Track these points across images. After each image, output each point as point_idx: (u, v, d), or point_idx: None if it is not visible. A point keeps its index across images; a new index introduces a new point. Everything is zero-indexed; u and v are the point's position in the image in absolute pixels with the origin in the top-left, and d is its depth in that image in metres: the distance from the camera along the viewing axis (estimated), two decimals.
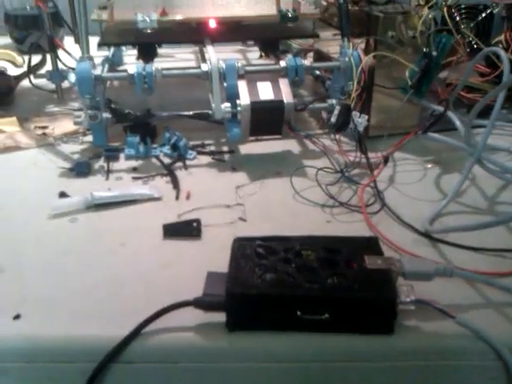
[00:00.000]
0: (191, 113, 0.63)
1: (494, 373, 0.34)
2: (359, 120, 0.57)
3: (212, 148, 0.63)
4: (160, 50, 0.76)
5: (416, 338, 0.34)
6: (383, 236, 0.44)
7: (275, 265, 0.36)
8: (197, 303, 0.35)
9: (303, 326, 0.34)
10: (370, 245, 0.39)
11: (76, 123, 0.63)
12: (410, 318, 0.35)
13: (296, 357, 0.34)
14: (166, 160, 0.60)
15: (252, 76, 0.61)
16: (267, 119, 0.58)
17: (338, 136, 0.58)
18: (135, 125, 0.64)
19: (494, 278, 0.39)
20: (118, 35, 0.72)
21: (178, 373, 0.34)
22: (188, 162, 0.60)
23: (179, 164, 0.59)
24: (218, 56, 0.60)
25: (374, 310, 0.34)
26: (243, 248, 0.39)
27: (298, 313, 0.34)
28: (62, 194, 0.52)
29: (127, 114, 0.63)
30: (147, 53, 0.71)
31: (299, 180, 0.55)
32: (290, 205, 0.51)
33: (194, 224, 0.46)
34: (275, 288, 0.34)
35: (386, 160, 0.55)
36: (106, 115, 0.61)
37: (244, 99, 0.57)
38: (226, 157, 0.61)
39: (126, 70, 0.61)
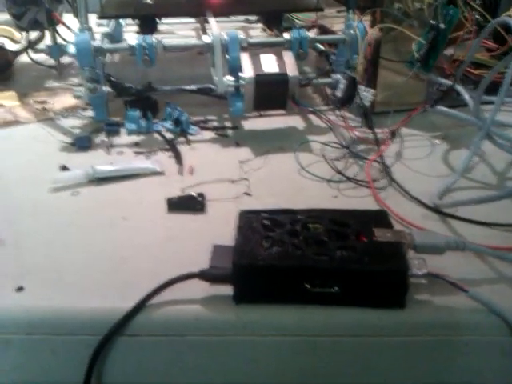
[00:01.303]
0: (193, 87, 0.62)
1: (507, 347, 0.33)
2: (365, 94, 0.56)
3: (215, 123, 0.62)
4: (161, 27, 0.75)
5: (428, 312, 0.34)
6: (392, 211, 0.44)
7: (282, 237, 0.36)
8: (203, 275, 0.34)
9: (312, 299, 0.34)
10: (379, 218, 0.38)
11: (76, 97, 0.62)
12: (422, 292, 0.35)
13: (304, 330, 0.34)
14: (168, 135, 0.59)
15: (255, 49, 0.59)
16: (271, 93, 0.56)
17: (343, 111, 0.56)
18: (136, 99, 0.62)
19: (507, 252, 0.38)
20: (118, 8, 0.70)
21: (185, 346, 0.34)
22: (191, 138, 0.59)
23: (182, 139, 0.58)
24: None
25: (384, 283, 0.33)
26: (249, 220, 0.38)
27: (307, 285, 0.33)
28: (63, 168, 0.51)
29: (128, 88, 0.61)
30: (147, 26, 0.69)
31: (304, 155, 0.54)
32: (296, 180, 0.50)
33: (199, 198, 0.45)
34: (283, 260, 0.34)
35: (392, 135, 0.54)
36: (106, 88, 0.60)
37: (247, 72, 0.56)
38: (230, 132, 0.60)
39: (126, 42, 0.59)
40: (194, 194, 0.46)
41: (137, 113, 0.59)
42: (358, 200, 0.46)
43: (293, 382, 0.35)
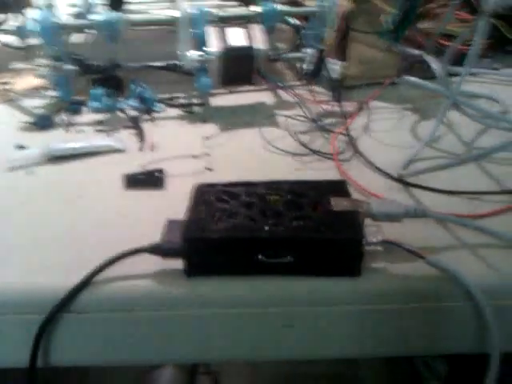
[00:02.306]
0: (160, 64, 0.60)
1: (465, 315, 0.32)
2: (333, 66, 0.55)
3: (182, 101, 0.60)
4: (133, 7, 0.73)
5: (384, 280, 0.33)
6: (354, 182, 0.42)
7: (237, 209, 0.34)
8: (152, 250, 0.33)
9: (265, 269, 0.33)
10: (338, 188, 0.37)
11: (39, 76, 0.60)
12: (378, 260, 0.34)
13: (258, 302, 0.33)
14: (134, 113, 0.57)
15: (222, 22, 0.57)
16: (238, 67, 0.55)
17: (312, 85, 0.55)
18: (102, 78, 0.61)
19: (469, 219, 0.37)
20: None
21: (133, 321, 0.32)
22: (156, 115, 0.57)
23: (147, 117, 0.56)
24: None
25: (338, 250, 0.32)
26: (204, 194, 0.37)
27: (260, 257, 0.32)
28: (20, 147, 0.49)
29: (92, 66, 0.59)
30: (115, 3, 0.67)
31: (270, 130, 0.52)
32: (260, 154, 0.49)
33: (157, 174, 0.44)
34: (234, 231, 0.32)
35: (360, 107, 0.53)
36: (70, 67, 0.58)
37: (213, 46, 0.54)
38: (197, 109, 0.58)
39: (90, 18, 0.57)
40: (152, 170, 0.44)
41: (100, 91, 0.58)
42: (322, 172, 0.45)
43: (246, 355, 0.34)
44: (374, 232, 0.33)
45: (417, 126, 0.53)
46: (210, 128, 0.54)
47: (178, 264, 0.33)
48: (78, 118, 0.56)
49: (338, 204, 0.35)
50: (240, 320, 0.33)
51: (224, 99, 0.61)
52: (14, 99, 0.61)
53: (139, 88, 0.58)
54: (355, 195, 0.38)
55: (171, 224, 0.35)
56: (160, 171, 0.44)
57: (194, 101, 0.60)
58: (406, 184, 0.42)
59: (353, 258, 0.32)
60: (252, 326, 0.33)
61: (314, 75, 0.54)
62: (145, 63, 0.60)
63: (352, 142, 0.48)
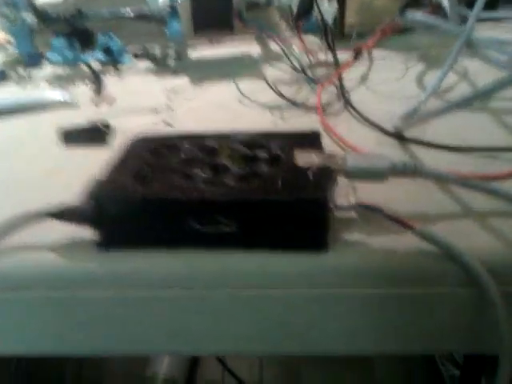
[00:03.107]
0: (131, 13, 0.53)
1: (466, 305, 0.24)
2: (327, 9, 0.46)
3: (156, 53, 0.53)
4: None
5: (358, 256, 0.25)
6: (340, 138, 0.34)
7: (173, 166, 0.27)
8: (58, 214, 0.26)
9: (202, 241, 0.25)
10: (308, 141, 0.29)
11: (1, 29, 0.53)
12: (352, 231, 0.26)
13: (193, 281, 0.25)
14: (98, 67, 0.50)
15: None
16: (211, 10, 0.47)
17: (299, 30, 0.46)
18: (68, 30, 0.54)
19: (476, 181, 0.29)
20: None
21: (27, 303, 0.25)
22: (124, 69, 0.50)
23: (113, 71, 0.49)
24: None
25: (296, 217, 0.24)
26: (137, 147, 0.29)
27: (195, 224, 0.25)
28: None
29: (56, 17, 0.52)
30: None
31: (250, 82, 0.45)
32: (234, 109, 0.41)
33: (101, 129, 0.37)
34: (160, 191, 0.25)
35: (356, 54, 0.44)
36: (29, 17, 0.51)
37: None
38: (171, 62, 0.51)
39: None
40: (95, 124, 0.37)
41: (62, 42, 0.51)
42: (302, 127, 0.37)
43: (180, 349, 0.27)
44: (347, 193, 0.25)
45: (424, 77, 0.44)
46: (181, 81, 0.46)
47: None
48: (37, 73, 0.49)
49: (302, 158, 0.27)
50: (170, 304, 0.25)
51: (204, 52, 0.53)
52: None
53: (106, 39, 0.51)
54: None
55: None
56: (106, 126, 0.37)
57: (170, 54, 0.53)
58: (402, 139, 0.34)
59: (316, 227, 0.24)
60: (187, 312, 0.26)
61: (303, 16, 0.46)
62: (114, 12, 0.53)
63: (342, 93, 0.40)
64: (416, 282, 0.25)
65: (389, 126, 0.35)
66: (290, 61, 0.45)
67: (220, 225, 0.25)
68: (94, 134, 0.36)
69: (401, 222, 0.25)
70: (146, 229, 0.25)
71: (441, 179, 0.28)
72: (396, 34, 0.50)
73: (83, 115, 0.40)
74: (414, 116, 0.36)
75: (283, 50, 0.46)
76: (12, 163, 0.34)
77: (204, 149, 0.29)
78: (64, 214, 0.26)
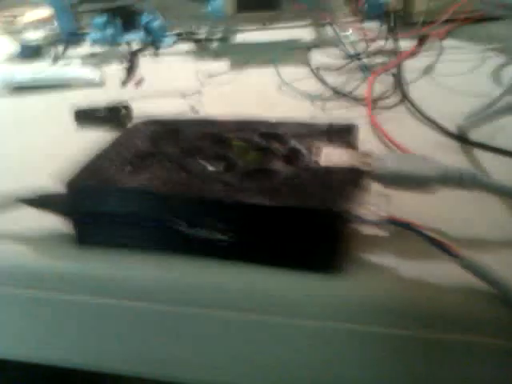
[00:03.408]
0: None
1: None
2: None
3: (200, 36, 0.49)
4: None
5: (378, 285, 0.19)
6: (386, 135, 0.28)
7: (170, 155, 0.22)
8: (27, 201, 0.22)
9: (189, 247, 0.20)
10: (341, 136, 0.24)
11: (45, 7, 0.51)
12: (379, 253, 0.20)
13: (169, 295, 0.20)
14: (137, 47, 0.47)
15: None
16: None
17: (356, 11, 0.41)
18: (113, 10, 0.51)
19: None
20: None
21: None
22: (163, 50, 0.46)
23: (151, 51, 0.46)
24: None
25: (303, 228, 0.19)
26: (137, 131, 0.25)
27: (180, 225, 0.20)
28: None
29: None
30: None
31: (295, 69, 0.39)
32: (271, 96, 0.36)
33: (120, 111, 0.33)
34: (145, 183, 0.20)
35: (421, 40, 0.37)
36: None
37: None
38: (214, 45, 0.47)
39: None
40: (114, 106, 0.33)
41: (103, 20, 0.48)
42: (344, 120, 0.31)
43: (144, 373, 0.22)
44: (377, 204, 0.20)
45: (502, 72, 0.36)
46: (219, 65, 0.42)
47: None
48: (75, 51, 0.47)
49: (327, 157, 0.21)
50: (141, 317, 0.21)
51: (252, 34, 0.48)
52: (16, 32, 0.53)
53: (148, 18, 0.47)
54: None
55: None
56: (126, 108, 0.33)
57: (214, 35, 0.48)
58: (466, 142, 0.27)
59: (327, 243, 0.19)
60: (144, 331, 0.21)
61: None
62: None
63: (399, 83, 0.34)
64: (453, 327, 0.18)
65: (451, 126, 0.29)
66: (344, 44, 0.39)
67: (211, 229, 0.20)
68: (112, 116, 0.33)
69: (444, 247, 0.19)
70: (124, 226, 0.21)
71: (508, 196, 0.21)
72: (474, 22, 0.43)
73: (107, 96, 0.37)
74: (483, 116, 0.29)
75: (336, 32, 0.40)
76: (24, 140, 0.32)
77: (212, 138, 0.24)
78: (38, 202, 0.22)
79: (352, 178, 0.20)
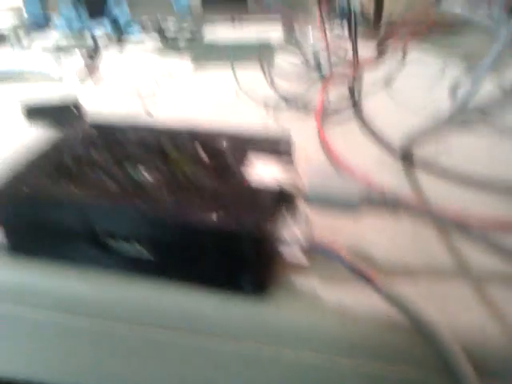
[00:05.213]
0: None
1: None
2: None
3: (170, 30, 0.48)
4: None
5: (301, 311, 0.19)
6: (330, 150, 0.28)
7: (102, 163, 0.22)
8: None
9: (111, 262, 0.20)
10: (279, 151, 0.23)
11: None
12: (301, 276, 0.20)
13: (96, 308, 0.20)
14: (103, 38, 0.46)
15: None
16: None
17: (320, 14, 0.40)
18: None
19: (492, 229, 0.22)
20: None
21: None
22: (131, 43, 0.45)
23: (116, 43, 0.45)
24: None
25: (217, 247, 0.19)
26: (75, 136, 0.25)
27: (105, 239, 0.20)
28: None
29: None
30: None
31: (257, 73, 0.39)
32: (226, 101, 0.36)
33: (69, 109, 0.32)
34: (71, 192, 0.20)
35: (380, 50, 0.37)
36: None
37: None
38: (182, 42, 0.46)
39: None
40: (63, 103, 0.33)
41: (71, 8, 0.47)
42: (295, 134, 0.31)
43: None
44: (301, 227, 0.20)
45: (458, 86, 0.36)
46: (182, 64, 0.42)
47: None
48: (38, 39, 0.46)
49: (261, 173, 0.21)
50: (65, 330, 0.21)
51: (223, 33, 0.48)
52: None
53: (116, 10, 0.46)
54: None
55: None
56: (76, 106, 0.33)
57: (182, 32, 0.48)
58: (409, 162, 0.27)
59: (247, 265, 0.19)
60: (89, 344, 0.21)
61: None
62: None
63: (353, 96, 0.34)
64: (372, 355, 0.19)
65: (398, 144, 0.29)
66: (301, 50, 0.39)
67: (135, 244, 0.20)
68: (62, 114, 0.32)
69: (359, 273, 0.19)
70: (53, 234, 0.20)
71: (433, 221, 0.21)
72: (439, 30, 0.43)
73: (64, 92, 0.36)
74: (429, 133, 0.29)
75: (295, 38, 0.40)
76: None
77: (148, 146, 0.24)
78: None
79: (277, 199, 0.20)
